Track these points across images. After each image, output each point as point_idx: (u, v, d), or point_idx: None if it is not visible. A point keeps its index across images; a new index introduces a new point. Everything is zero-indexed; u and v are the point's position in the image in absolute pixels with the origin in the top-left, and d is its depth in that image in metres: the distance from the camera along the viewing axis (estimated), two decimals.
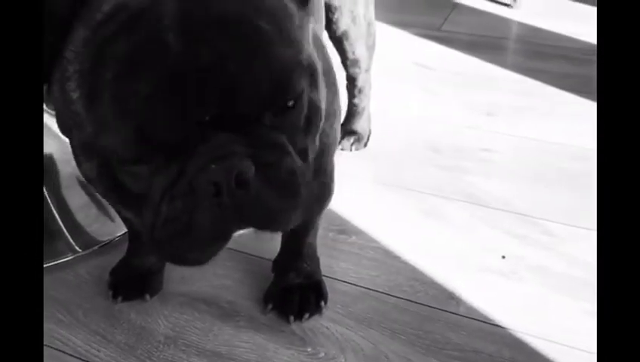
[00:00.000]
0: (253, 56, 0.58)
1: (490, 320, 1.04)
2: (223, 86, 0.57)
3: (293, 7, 0.66)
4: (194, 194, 0.60)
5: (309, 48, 0.68)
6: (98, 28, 0.59)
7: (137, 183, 0.63)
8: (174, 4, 0.58)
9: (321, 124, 0.71)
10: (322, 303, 1.07)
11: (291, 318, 1.04)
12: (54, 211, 1.26)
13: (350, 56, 1.35)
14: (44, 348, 1.00)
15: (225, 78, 0.57)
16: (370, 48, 1.38)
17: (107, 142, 0.59)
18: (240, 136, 0.60)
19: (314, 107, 0.67)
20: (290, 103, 0.63)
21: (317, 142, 0.73)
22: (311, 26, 0.72)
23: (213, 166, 0.59)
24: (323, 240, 1.12)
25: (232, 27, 0.58)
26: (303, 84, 0.63)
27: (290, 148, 0.65)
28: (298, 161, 0.65)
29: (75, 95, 0.61)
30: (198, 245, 0.64)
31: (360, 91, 1.43)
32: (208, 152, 0.59)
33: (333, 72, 0.89)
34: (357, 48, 1.34)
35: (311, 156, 0.70)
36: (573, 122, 1.57)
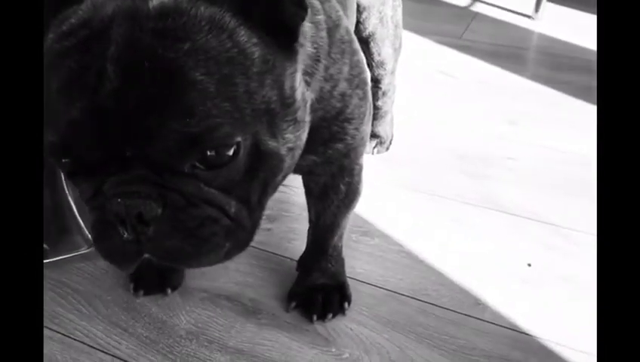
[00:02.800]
0: (173, 111, 0.57)
1: (517, 327, 1.03)
2: (141, 132, 0.58)
3: (257, 52, 0.62)
4: (105, 212, 0.63)
5: (276, 91, 0.64)
6: (62, 39, 0.61)
7: (76, 187, 0.67)
8: (125, 34, 0.58)
9: (283, 165, 0.68)
10: (346, 304, 1.05)
11: (314, 318, 1.03)
12: (72, 204, 1.26)
13: (376, 57, 1.34)
14: (65, 338, 0.99)
15: (144, 125, 0.57)
16: (397, 50, 1.37)
17: (45, 142, 0.61)
18: (157, 176, 0.61)
19: (264, 155, 0.64)
20: (220, 157, 0.61)
21: (276, 184, 0.71)
22: (300, 66, 0.70)
23: (118, 200, 0.61)
24: (346, 241, 1.10)
25: (163, 75, 0.57)
26: (237, 137, 0.60)
27: (212, 198, 0.63)
28: (232, 208, 0.64)
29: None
30: (110, 257, 0.67)
31: (384, 94, 1.42)
32: (120, 184, 0.61)
33: (363, 75, 0.88)
34: (383, 49, 1.33)
35: (261, 199, 0.69)
36: (595, 133, 1.55)
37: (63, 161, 0.62)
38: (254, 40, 0.62)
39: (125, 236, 0.63)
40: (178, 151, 0.59)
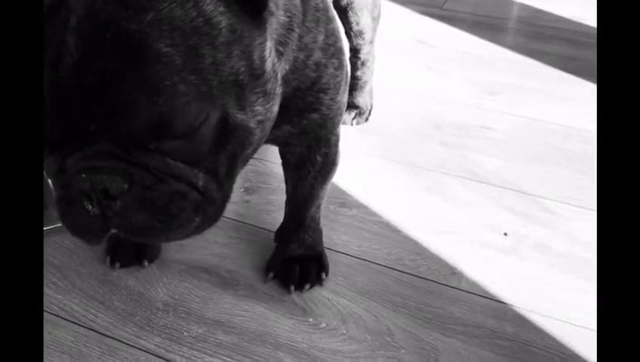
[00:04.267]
0: (138, 86, 0.55)
1: (492, 295, 1.04)
2: (103, 106, 0.56)
3: (224, 22, 0.60)
4: (70, 188, 0.62)
5: (244, 62, 0.63)
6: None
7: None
8: (85, 3, 0.56)
9: (252, 138, 0.67)
10: (323, 275, 1.06)
11: (292, 288, 1.03)
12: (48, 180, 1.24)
13: (354, 27, 1.33)
14: None
15: (107, 101, 0.56)
16: (375, 20, 1.35)
17: None
18: (122, 152, 0.60)
19: (233, 128, 0.63)
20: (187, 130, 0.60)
21: (246, 157, 0.70)
22: (271, 35, 0.68)
23: (83, 175, 0.60)
24: (324, 212, 1.10)
25: (125, 47, 0.55)
26: (206, 111, 0.59)
27: (179, 172, 0.62)
28: (199, 181, 0.63)
29: None
30: (77, 232, 0.66)
31: (363, 64, 1.41)
32: (84, 159, 0.60)
33: (339, 44, 0.87)
34: (362, 19, 1.31)
35: (230, 172, 0.68)
36: (574, 104, 1.56)
37: None
38: (221, 9, 0.60)
39: (91, 210, 0.62)
40: (144, 131, 0.58)
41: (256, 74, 0.65)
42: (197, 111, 0.58)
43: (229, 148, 0.65)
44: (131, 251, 1.08)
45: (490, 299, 1.03)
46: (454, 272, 1.08)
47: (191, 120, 0.59)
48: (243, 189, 1.27)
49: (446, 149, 1.39)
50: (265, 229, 1.16)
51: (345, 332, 0.97)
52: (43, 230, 1.08)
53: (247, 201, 1.24)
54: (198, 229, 0.67)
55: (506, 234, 1.16)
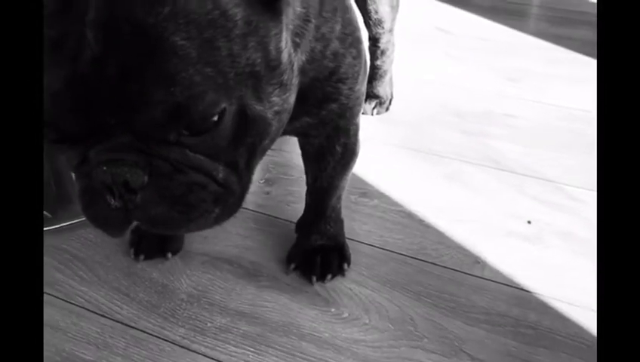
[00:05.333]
0: (155, 79, 0.55)
1: (516, 284, 1.03)
2: (123, 100, 0.56)
3: (240, 14, 0.60)
4: (92, 180, 0.62)
5: (261, 54, 0.62)
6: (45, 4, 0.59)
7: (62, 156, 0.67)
8: None
9: (270, 129, 0.67)
10: (345, 265, 1.06)
11: (314, 279, 1.03)
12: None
13: (373, 15, 1.32)
14: (66, 303, 1.00)
15: (126, 94, 0.56)
16: (394, 8, 1.34)
17: None
18: (142, 144, 0.60)
19: (250, 119, 0.63)
20: (204, 123, 0.60)
21: (264, 148, 0.70)
22: (287, 26, 0.67)
23: (104, 168, 0.60)
24: (345, 202, 1.10)
25: (143, 41, 0.55)
26: (222, 104, 0.59)
27: (199, 164, 0.62)
28: (219, 173, 0.64)
29: None
30: (99, 224, 0.67)
31: (382, 53, 1.40)
32: (105, 152, 0.60)
33: (357, 33, 0.86)
34: (380, 7, 1.31)
35: (249, 164, 0.68)
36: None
37: (47, 131, 0.61)
38: (236, 1, 0.60)
39: (112, 204, 0.62)
40: (163, 121, 0.58)
41: (273, 65, 0.65)
42: (214, 101, 0.58)
43: (248, 140, 0.65)
44: (155, 243, 1.09)
45: (513, 287, 1.02)
46: (477, 261, 1.07)
47: (208, 110, 0.59)
48: (263, 181, 1.27)
49: (467, 137, 1.38)
50: (286, 220, 1.16)
51: (367, 321, 0.97)
52: (42, 230, 1.09)
53: (267, 193, 1.24)
54: (218, 220, 0.67)
55: (529, 222, 1.15)
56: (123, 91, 0.56)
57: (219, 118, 0.60)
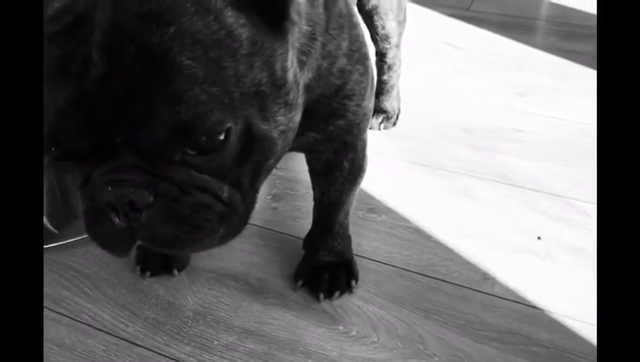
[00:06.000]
0: (161, 98, 0.55)
1: (527, 301, 1.01)
2: (128, 119, 0.56)
3: (245, 34, 0.60)
4: (96, 201, 0.62)
5: (266, 73, 0.62)
6: (47, 23, 0.59)
7: (66, 175, 0.66)
8: (109, 17, 0.56)
9: (276, 148, 0.66)
10: (353, 282, 1.04)
11: (321, 296, 1.02)
12: None
13: (380, 31, 1.32)
14: (72, 321, 0.99)
15: (131, 113, 0.56)
16: (401, 23, 1.34)
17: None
18: (147, 164, 0.60)
19: (256, 139, 0.63)
20: (211, 143, 0.59)
21: (269, 167, 0.69)
22: (291, 43, 0.67)
23: (109, 188, 0.60)
24: (352, 218, 1.09)
25: (148, 61, 0.55)
26: (228, 123, 0.59)
27: (204, 184, 0.62)
28: (224, 193, 0.64)
29: None
30: (103, 244, 0.66)
31: (389, 68, 1.39)
32: (109, 172, 0.60)
33: (364, 50, 0.86)
34: (387, 23, 1.30)
35: (254, 183, 0.68)
36: None
37: (52, 150, 0.61)
38: (242, 21, 0.60)
39: (117, 224, 0.62)
40: (168, 140, 0.58)
41: (278, 84, 0.64)
42: (219, 119, 0.58)
43: (253, 159, 0.65)
44: (161, 260, 1.08)
45: (524, 304, 1.01)
46: (487, 278, 1.06)
47: (214, 128, 0.58)
48: (270, 196, 1.27)
49: (476, 152, 1.37)
50: (293, 236, 1.15)
51: (376, 339, 0.95)
52: (43, 246, 1.09)
53: (274, 208, 1.23)
54: (223, 240, 0.66)
55: (539, 238, 1.14)
56: (128, 110, 0.56)
57: (225, 138, 0.60)
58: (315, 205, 1.04)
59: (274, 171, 1.30)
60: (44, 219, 1.18)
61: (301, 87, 0.71)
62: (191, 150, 0.60)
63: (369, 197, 1.25)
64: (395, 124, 1.47)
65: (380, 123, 1.46)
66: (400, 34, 1.35)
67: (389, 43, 1.34)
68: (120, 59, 0.55)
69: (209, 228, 0.64)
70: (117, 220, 0.62)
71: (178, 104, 0.55)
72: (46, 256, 1.12)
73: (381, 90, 1.43)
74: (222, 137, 0.59)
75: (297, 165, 1.34)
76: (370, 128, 1.42)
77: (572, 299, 1.01)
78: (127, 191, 0.60)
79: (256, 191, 0.69)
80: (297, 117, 0.70)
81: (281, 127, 0.66)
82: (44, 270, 1.09)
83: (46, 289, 1.05)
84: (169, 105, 0.55)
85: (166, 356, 0.93)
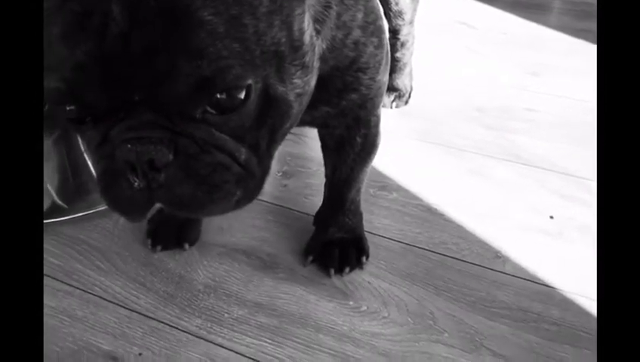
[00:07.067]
0: (182, 53, 0.55)
1: (538, 279, 1.01)
2: (148, 75, 0.55)
3: None
4: (114, 161, 0.61)
5: (285, 33, 0.62)
6: None
7: (81, 137, 0.66)
8: None
9: (292, 111, 0.66)
10: (363, 258, 1.04)
11: (332, 271, 1.02)
12: (89, 162, 1.26)
13: (394, 7, 1.30)
14: (84, 293, 1.00)
15: (152, 69, 0.55)
16: (415, 0, 1.33)
17: (49, 90, 0.59)
18: (167, 121, 0.59)
19: (273, 100, 0.63)
20: (231, 100, 0.59)
21: (284, 132, 0.69)
22: (307, 5, 0.66)
23: (128, 146, 0.59)
24: (364, 196, 1.09)
25: (169, 15, 0.54)
26: (249, 79, 0.58)
27: (223, 144, 0.62)
28: (242, 155, 0.63)
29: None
30: (119, 207, 0.66)
31: (402, 45, 1.38)
32: (129, 129, 0.59)
33: (379, 22, 0.85)
34: None
35: (269, 147, 0.67)
36: None
37: (68, 108, 0.60)
38: None
39: (136, 184, 0.61)
40: (189, 95, 0.57)
41: (296, 45, 0.64)
42: (240, 75, 0.57)
43: (270, 122, 0.64)
44: (172, 234, 1.08)
45: (535, 282, 1.00)
46: (498, 256, 1.05)
47: (234, 84, 0.58)
48: (281, 174, 1.26)
49: (489, 132, 1.36)
50: (303, 213, 1.15)
51: (386, 315, 0.95)
52: (43, 221, 1.09)
53: (285, 185, 1.23)
54: (239, 204, 0.66)
55: (552, 217, 1.13)
56: (149, 66, 0.55)
57: (245, 96, 0.59)
58: (326, 181, 1.04)
59: (284, 148, 1.30)
60: (54, 194, 1.18)
61: (317, 51, 0.70)
62: (211, 108, 0.59)
63: (380, 175, 1.24)
64: (407, 102, 1.46)
65: (392, 101, 1.45)
66: (414, 10, 1.34)
67: (403, 19, 1.33)
68: (140, 14, 0.54)
69: (226, 189, 0.63)
70: (135, 180, 0.61)
71: (200, 59, 0.55)
72: (57, 229, 1.12)
73: (394, 67, 1.41)
74: (242, 96, 0.59)
75: (308, 142, 1.33)
76: (382, 106, 1.41)
77: (583, 277, 1.00)
78: (146, 148, 0.59)
79: (271, 156, 0.68)
80: (313, 81, 0.69)
81: (298, 90, 0.65)
82: (56, 243, 1.10)
83: (58, 262, 1.06)
84: (190, 60, 0.55)
85: (177, 328, 0.93)
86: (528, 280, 1.01)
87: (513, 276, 1.02)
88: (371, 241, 1.07)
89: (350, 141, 0.94)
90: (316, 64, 0.70)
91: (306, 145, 1.33)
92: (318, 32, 0.72)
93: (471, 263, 1.04)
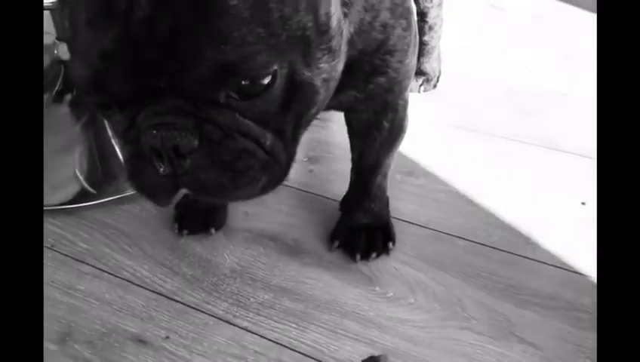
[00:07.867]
0: (207, 38, 0.54)
1: (569, 266, 0.99)
2: (173, 60, 0.55)
3: None
4: (140, 146, 0.61)
5: (311, 17, 0.61)
6: None
7: (109, 122, 0.66)
8: None
9: (318, 97, 0.65)
10: (390, 244, 1.03)
11: (357, 257, 1.01)
12: (116, 148, 1.27)
13: None
14: (112, 277, 1.01)
15: (177, 53, 0.55)
16: None
17: (75, 75, 0.60)
18: (192, 107, 0.59)
19: (299, 85, 0.62)
20: (256, 86, 0.59)
21: (310, 117, 0.68)
22: None
23: (154, 132, 0.59)
24: (390, 181, 1.07)
25: (194, 1, 0.54)
26: (274, 65, 0.58)
27: (247, 130, 0.61)
28: (267, 141, 0.63)
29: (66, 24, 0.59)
30: (146, 192, 0.66)
31: (431, 28, 1.36)
32: (154, 115, 0.59)
33: (407, 3, 0.83)
34: None
35: (295, 133, 0.67)
36: None
37: (95, 94, 0.60)
38: None
39: (161, 170, 0.61)
40: (213, 80, 0.57)
41: (322, 30, 0.63)
42: (265, 61, 0.57)
43: (295, 108, 0.64)
44: (198, 219, 1.08)
45: (566, 270, 0.98)
46: (528, 242, 1.03)
47: (259, 70, 0.57)
48: (307, 159, 1.25)
49: (519, 116, 1.33)
50: (329, 198, 1.15)
51: (413, 301, 0.94)
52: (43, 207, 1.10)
53: (310, 171, 1.22)
54: (264, 190, 0.66)
55: (583, 203, 1.10)
56: (173, 51, 0.55)
57: (270, 82, 0.59)
58: (352, 166, 1.03)
59: (310, 134, 1.29)
60: (82, 179, 1.20)
61: (344, 35, 0.69)
62: (235, 94, 0.59)
63: (407, 160, 1.23)
64: (435, 86, 1.44)
65: (420, 85, 1.42)
66: None
67: (431, 2, 1.30)
68: None
69: (251, 175, 0.63)
70: (161, 166, 0.61)
71: (224, 44, 0.54)
72: (86, 214, 1.14)
73: (421, 51, 1.39)
74: (266, 81, 0.58)
75: (334, 128, 1.32)
76: (410, 90, 1.39)
77: None
78: (172, 134, 0.59)
79: (296, 142, 0.68)
80: (340, 66, 0.68)
81: (324, 75, 0.64)
82: (85, 227, 1.11)
83: (86, 246, 1.07)
84: (215, 45, 0.54)
85: (204, 311, 0.94)
86: (559, 267, 0.99)
87: (544, 263, 1.00)
88: (398, 227, 1.06)
89: (377, 125, 0.93)
90: (344, 48, 0.69)
91: (332, 131, 1.32)
92: (345, 15, 0.70)
93: (500, 250, 1.02)
